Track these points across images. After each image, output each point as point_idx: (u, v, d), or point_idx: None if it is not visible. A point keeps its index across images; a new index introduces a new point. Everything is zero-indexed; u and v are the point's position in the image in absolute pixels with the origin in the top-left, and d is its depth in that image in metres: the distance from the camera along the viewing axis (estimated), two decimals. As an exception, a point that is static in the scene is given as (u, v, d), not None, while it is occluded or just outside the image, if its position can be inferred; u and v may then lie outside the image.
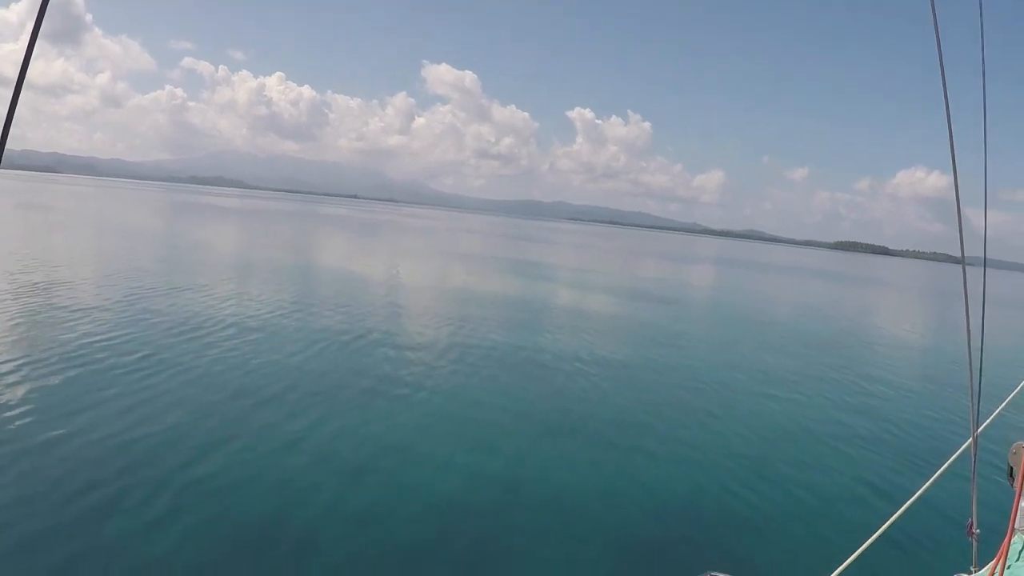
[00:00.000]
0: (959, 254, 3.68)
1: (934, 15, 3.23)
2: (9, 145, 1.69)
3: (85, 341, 19.01)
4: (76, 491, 10.32)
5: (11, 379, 15.19)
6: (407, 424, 15.22)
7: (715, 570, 5.51)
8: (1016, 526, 4.21)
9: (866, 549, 4.75)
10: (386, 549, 9.85)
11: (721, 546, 10.87)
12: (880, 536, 4.83)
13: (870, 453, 16.42)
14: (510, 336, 26.83)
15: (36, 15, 1.53)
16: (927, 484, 4.93)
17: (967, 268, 3.83)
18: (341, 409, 15.67)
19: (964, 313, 4.07)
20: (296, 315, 26.63)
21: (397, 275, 48.81)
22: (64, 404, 13.88)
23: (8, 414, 12.96)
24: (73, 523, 9.43)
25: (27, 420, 12.85)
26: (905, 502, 4.94)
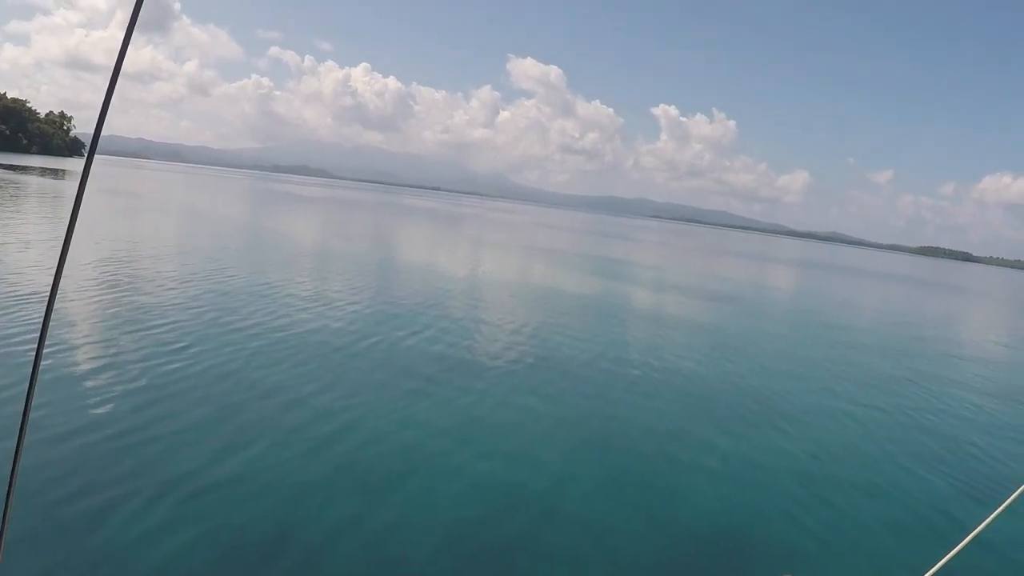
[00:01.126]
0: None
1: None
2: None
3: (124, 330, 19.18)
4: (75, 491, 10.14)
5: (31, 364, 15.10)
6: (444, 431, 14.61)
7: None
8: None
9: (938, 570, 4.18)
10: (403, 572, 9.26)
11: (790, 560, 10.68)
12: (957, 554, 4.12)
13: (949, 473, 15.75)
14: (571, 339, 25.99)
15: (132, 7, 1.56)
16: (1007, 504, 4.28)
17: None
18: (377, 412, 15.21)
19: None
20: (355, 309, 26.46)
21: (471, 271, 48.43)
22: (82, 396, 13.87)
23: (19, 405, 12.72)
24: (64, 526, 9.20)
25: (41, 412, 12.71)
26: (983, 520, 4.26)
